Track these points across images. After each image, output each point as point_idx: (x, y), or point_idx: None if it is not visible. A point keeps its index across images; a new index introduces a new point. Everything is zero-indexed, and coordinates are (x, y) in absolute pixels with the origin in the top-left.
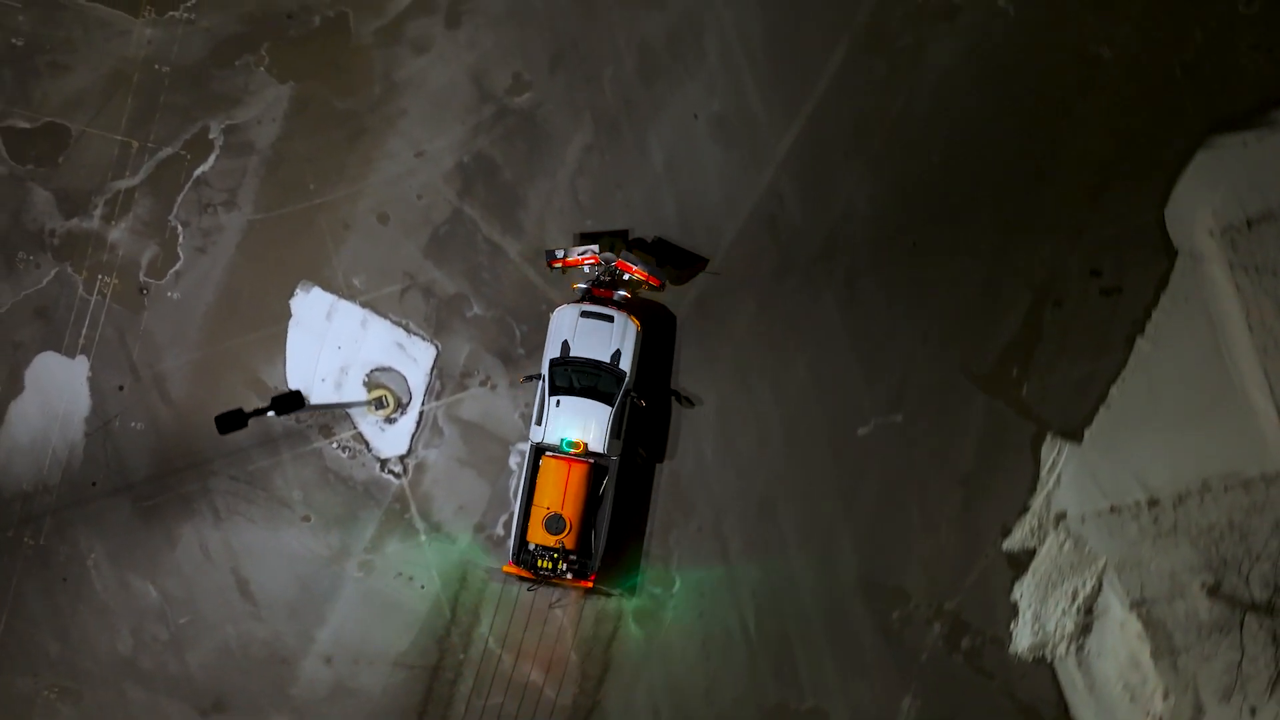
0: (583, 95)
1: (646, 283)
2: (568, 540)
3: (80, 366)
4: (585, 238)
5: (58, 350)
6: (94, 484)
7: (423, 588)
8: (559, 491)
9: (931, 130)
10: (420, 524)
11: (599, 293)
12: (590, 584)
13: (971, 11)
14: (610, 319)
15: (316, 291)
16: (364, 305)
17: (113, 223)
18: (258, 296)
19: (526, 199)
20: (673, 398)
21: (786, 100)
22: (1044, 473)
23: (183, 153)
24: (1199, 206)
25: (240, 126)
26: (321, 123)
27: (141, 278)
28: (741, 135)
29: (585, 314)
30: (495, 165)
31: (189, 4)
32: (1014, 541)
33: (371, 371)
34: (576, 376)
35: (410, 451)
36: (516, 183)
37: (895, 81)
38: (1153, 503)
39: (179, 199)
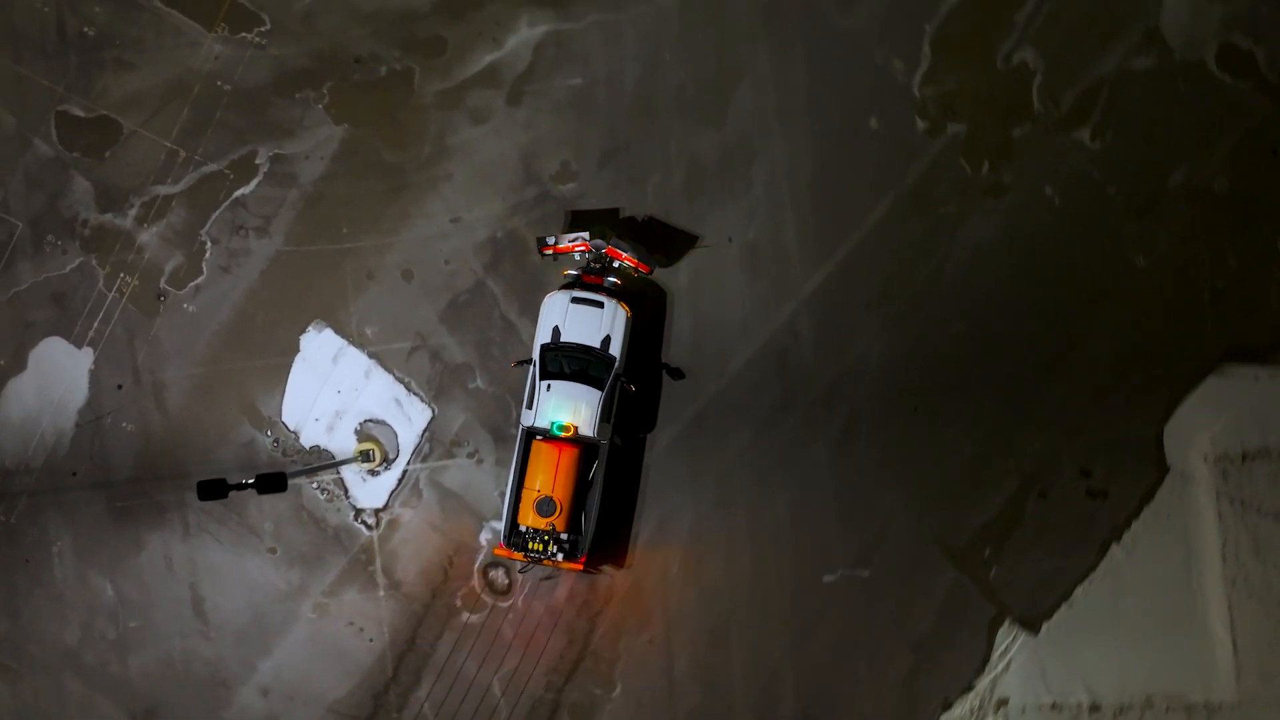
0: (625, 196)
1: (636, 269)
2: (558, 522)
3: (85, 358)
4: (576, 216)
5: (66, 338)
6: (74, 474)
7: (371, 641)
8: (550, 475)
9: (956, 300)
10: (381, 579)
11: (589, 279)
12: (581, 565)
13: (1019, 193)
14: (600, 305)
15: (328, 333)
16: (371, 356)
17: (145, 225)
18: (270, 326)
19: (549, 285)
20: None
21: (821, 242)
22: (995, 656)
23: (227, 171)
24: (1199, 430)
25: (288, 158)
26: (367, 169)
27: (162, 284)
28: (771, 267)
29: (576, 300)
30: (526, 246)
31: (263, 29)
32: (952, 716)
33: (365, 421)
34: (567, 361)
35: (386, 507)
36: (543, 268)
37: (931, 246)
38: (1094, 708)
39: (214, 216)
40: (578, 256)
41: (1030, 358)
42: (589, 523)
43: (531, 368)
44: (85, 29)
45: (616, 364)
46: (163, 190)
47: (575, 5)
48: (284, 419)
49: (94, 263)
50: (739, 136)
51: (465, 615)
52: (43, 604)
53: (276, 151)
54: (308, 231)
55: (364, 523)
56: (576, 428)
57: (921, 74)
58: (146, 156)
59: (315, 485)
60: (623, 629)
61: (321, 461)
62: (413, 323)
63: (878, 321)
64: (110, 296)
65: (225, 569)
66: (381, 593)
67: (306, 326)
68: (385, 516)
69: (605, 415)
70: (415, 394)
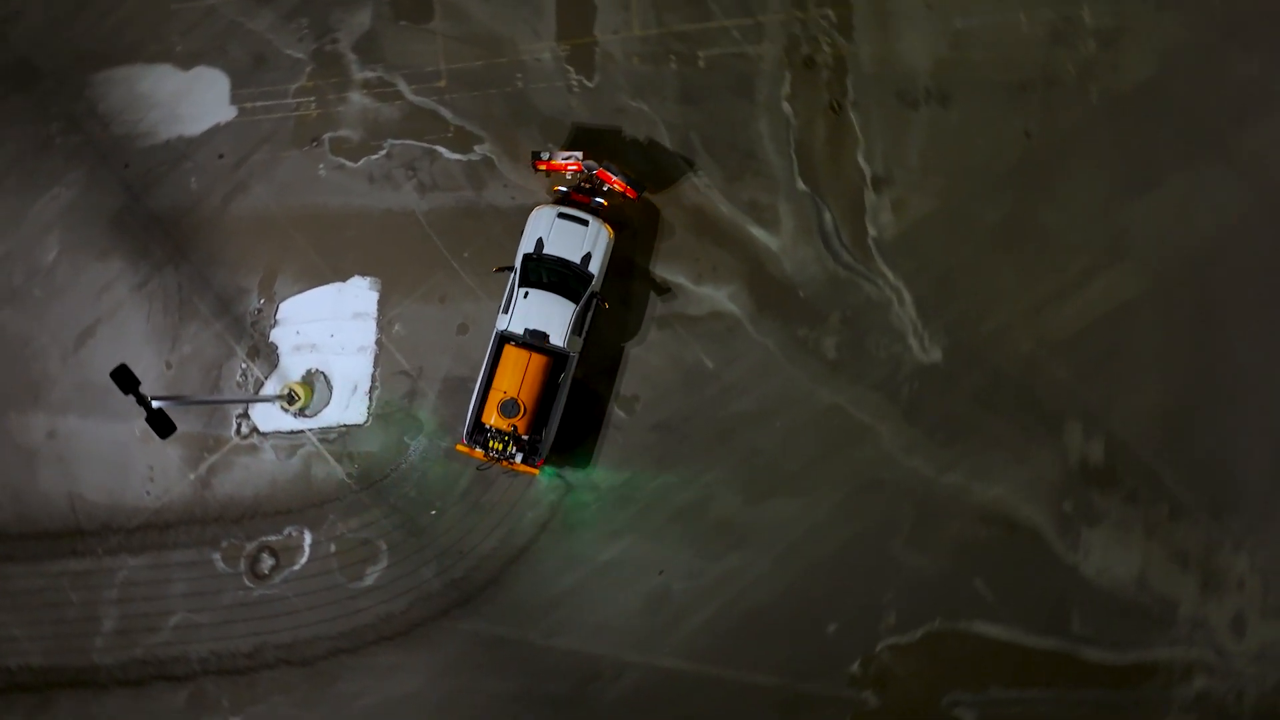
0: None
1: (624, 194)
2: (520, 424)
3: (224, 113)
4: (579, 131)
5: (228, 84)
6: (127, 165)
7: (147, 494)
8: (517, 378)
9: None
10: (203, 472)
11: (577, 198)
12: (537, 470)
13: None
14: (585, 223)
15: (374, 296)
16: (378, 344)
17: (365, 91)
18: (350, 245)
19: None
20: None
21: None
22: None
23: (451, 127)
24: None
25: (493, 169)
26: None
27: (327, 136)
28: None
29: (562, 215)
30: None
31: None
32: None
33: (319, 373)
34: (547, 272)
35: (263, 436)
36: None
37: None
38: None
39: (407, 141)
40: (569, 175)
41: None
42: (549, 430)
43: (512, 274)
44: None
45: (594, 281)
46: (404, 87)
47: None
48: (281, 306)
49: (308, 70)
50: None
51: (217, 562)
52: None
53: (488, 156)
54: (446, 226)
55: (238, 425)
56: (548, 336)
57: None
58: (427, 58)
59: (244, 365)
60: None
61: (244, 396)
62: (430, 359)
63: None
64: (288, 101)
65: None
66: (191, 477)
67: (370, 274)
68: (253, 439)
69: (577, 328)
70: (369, 399)
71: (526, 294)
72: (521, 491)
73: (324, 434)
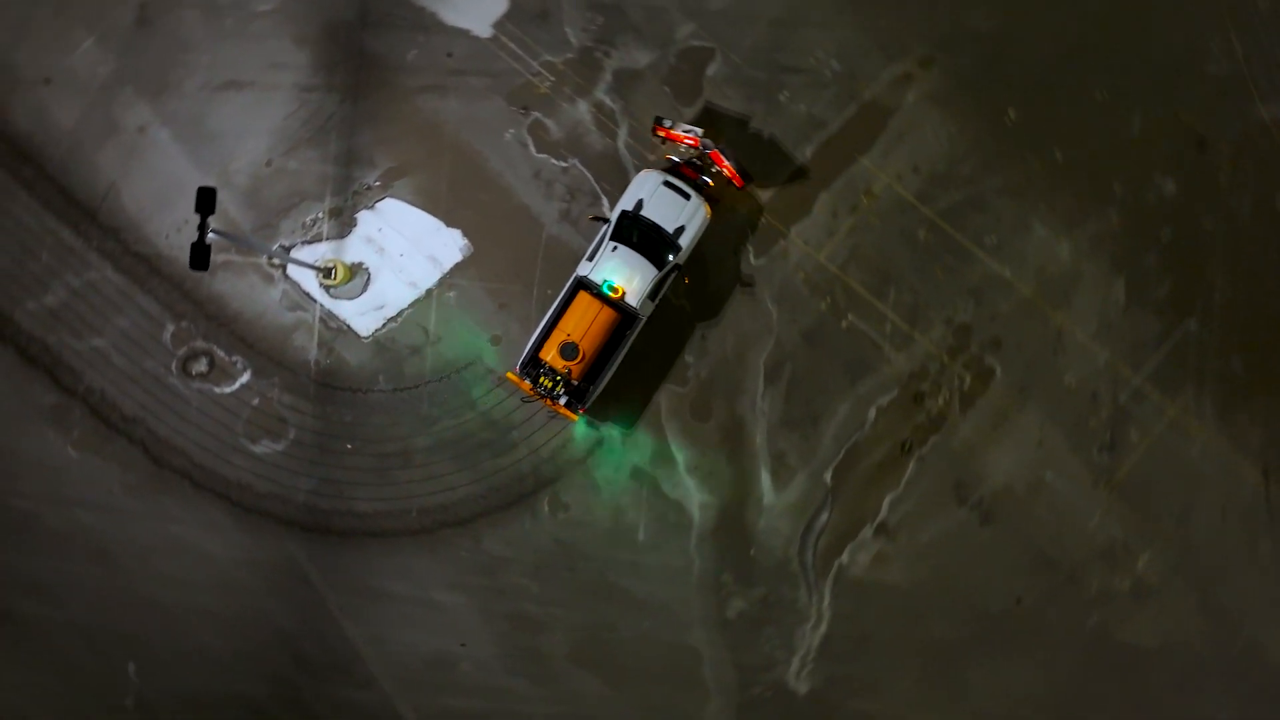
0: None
1: (731, 180)
2: (575, 369)
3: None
4: (708, 109)
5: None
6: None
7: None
8: (584, 325)
9: None
10: (212, 286)
11: (686, 171)
12: (575, 417)
13: None
14: (687, 196)
15: (462, 245)
16: (430, 290)
17: (614, 97)
18: (484, 209)
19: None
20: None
21: None
22: None
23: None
24: None
25: None
26: None
27: (549, 125)
28: None
29: (667, 183)
30: None
31: None
32: None
33: (364, 268)
34: (639, 233)
35: (286, 280)
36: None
37: None
38: None
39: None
40: (683, 148)
41: None
42: (599, 383)
43: (606, 226)
44: None
45: (681, 253)
46: (622, 133)
47: None
48: (387, 200)
49: (567, 56)
50: None
51: (167, 331)
52: None
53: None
54: (556, 257)
55: (271, 261)
56: (625, 293)
57: None
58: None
59: (320, 215)
60: None
61: (296, 253)
62: (452, 340)
63: None
64: (532, 63)
65: None
66: (202, 283)
67: (470, 238)
68: (275, 273)
69: (652, 294)
70: (383, 323)
71: (615, 248)
72: (425, 493)
73: (328, 317)
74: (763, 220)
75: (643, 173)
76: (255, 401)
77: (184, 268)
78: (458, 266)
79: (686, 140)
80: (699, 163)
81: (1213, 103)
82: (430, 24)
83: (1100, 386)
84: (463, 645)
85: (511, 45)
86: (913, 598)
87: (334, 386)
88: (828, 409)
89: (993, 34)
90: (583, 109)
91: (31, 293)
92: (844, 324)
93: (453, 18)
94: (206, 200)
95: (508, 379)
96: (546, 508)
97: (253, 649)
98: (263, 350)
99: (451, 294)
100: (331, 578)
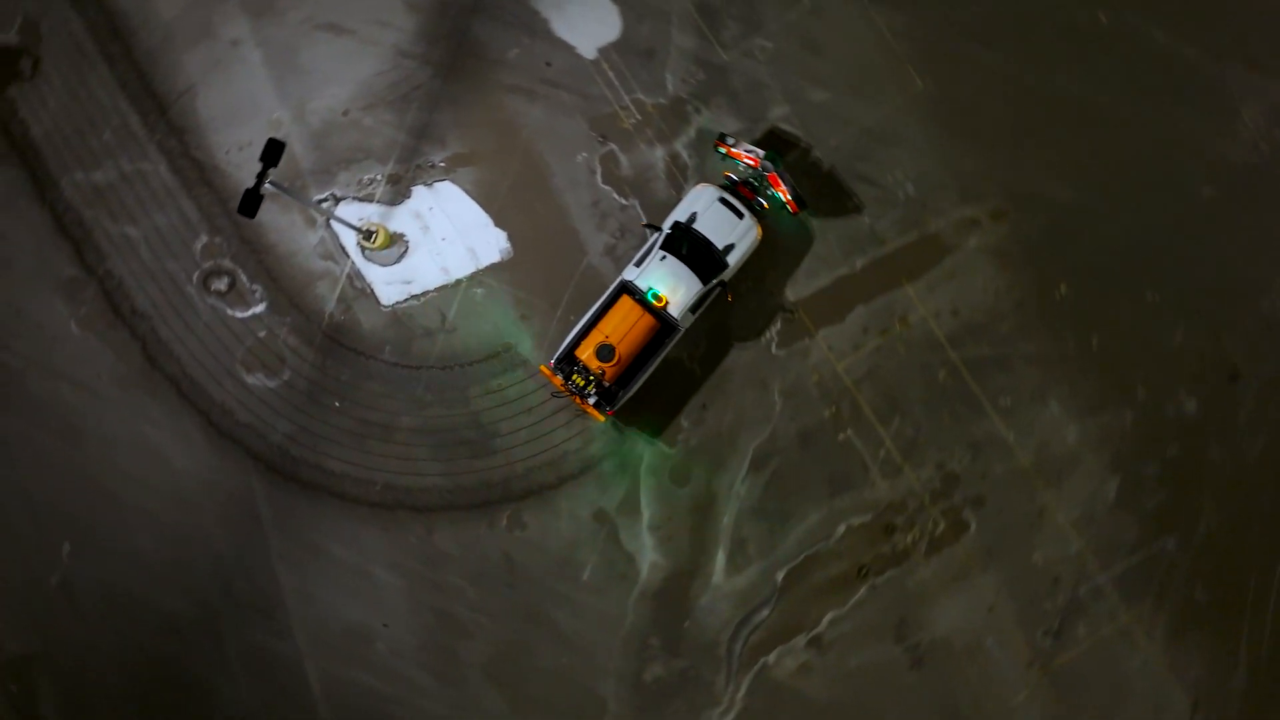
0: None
1: (787, 204)
2: (610, 371)
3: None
4: (772, 133)
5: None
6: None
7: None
8: (623, 329)
9: None
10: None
11: (743, 190)
12: (603, 418)
13: None
14: (741, 215)
15: (498, 256)
16: (460, 281)
17: (694, 156)
18: (535, 220)
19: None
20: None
21: None
22: None
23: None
24: None
25: None
26: None
27: (632, 169)
28: None
29: (723, 200)
30: None
31: None
32: None
33: (407, 242)
34: (689, 245)
35: (327, 225)
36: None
37: None
38: None
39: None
40: (742, 166)
41: None
42: (630, 388)
43: (657, 235)
44: None
45: (728, 271)
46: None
47: None
48: (447, 182)
49: (659, 100)
50: None
51: (199, 240)
52: None
53: None
54: (588, 291)
55: (325, 198)
56: (668, 302)
57: None
58: None
59: (378, 178)
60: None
61: (348, 221)
62: (467, 334)
63: None
64: (623, 96)
65: None
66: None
67: (513, 243)
68: (319, 220)
69: (694, 307)
70: (405, 297)
71: (664, 257)
72: (395, 470)
73: (355, 276)
74: (791, 318)
75: (699, 186)
76: (262, 334)
77: (234, 184)
78: (493, 266)
79: (747, 159)
80: (755, 183)
81: (1258, 339)
82: (539, 29)
83: (1064, 573)
84: (385, 626)
85: (610, 73)
86: (824, 716)
87: (340, 343)
88: (800, 512)
89: (1070, 206)
90: (658, 155)
91: (83, 165)
92: (841, 436)
93: (563, 30)
94: (274, 152)
95: (540, 372)
96: (505, 521)
97: (186, 566)
98: (284, 288)
99: (479, 290)
100: (282, 522)
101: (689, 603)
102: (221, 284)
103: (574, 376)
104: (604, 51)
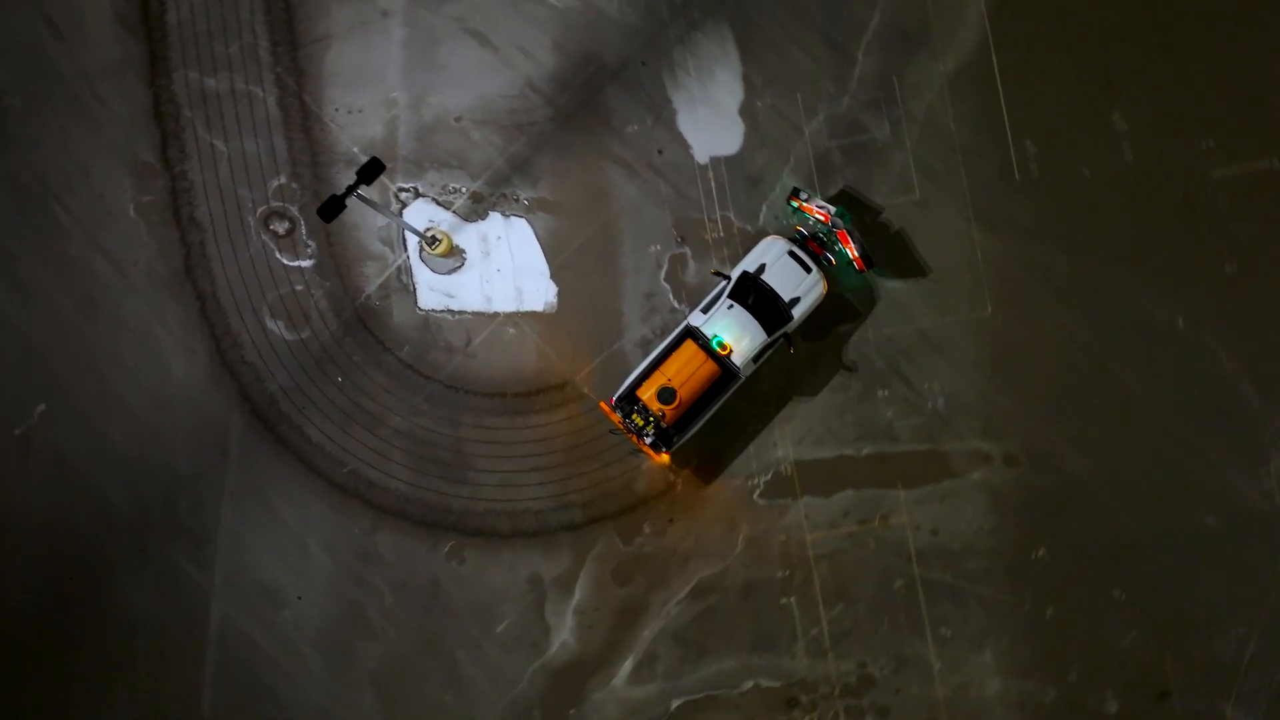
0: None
1: (854, 261)
2: (669, 414)
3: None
4: (845, 194)
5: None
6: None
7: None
8: (685, 373)
9: None
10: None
11: (812, 245)
12: (659, 459)
13: None
14: (809, 270)
15: (541, 306)
16: (497, 314)
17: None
18: (587, 285)
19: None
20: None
21: None
22: None
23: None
24: None
25: None
26: None
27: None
28: None
29: (792, 253)
30: None
31: None
32: None
33: (465, 258)
34: (755, 295)
35: (396, 213)
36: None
37: None
38: None
39: None
40: (813, 221)
41: None
42: (688, 430)
43: (725, 283)
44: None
45: (792, 324)
46: None
47: None
48: (524, 219)
49: (744, 238)
50: None
51: (278, 181)
52: None
53: None
54: (614, 373)
55: (402, 189)
56: (731, 350)
57: None
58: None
59: (464, 190)
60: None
61: (409, 224)
62: (487, 362)
63: None
64: (716, 212)
65: None
66: (354, 149)
67: (559, 297)
68: (392, 206)
69: (756, 356)
70: (442, 310)
71: (731, 306)
72: (366, 462)
73: (405, 272)
74: (791, 470)
75: (770, 238)
76: (299, 287)
77: (331, 140)
78: (533, 314)
79: (819, 214)
80: (824, 238)
81: (1198, 673)
82: (665, 117)
83: None
84: (299, 599)
85: (712, 183)
86: None
87: (366, 326)
88: (718, 653)
89: (1080, 480)
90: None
91: (201, 67)
92: (784, 600)
93: (686, 127)
94: (372, 171)
95: (600, 408)
96: (447, 549)
97: (142, 468)
98: (336, 254)
99: (511, 330)
100: (244, 465)
101: (583, 693)
102: (281, 227)
103: (634, 415)
104: (715, 161)
